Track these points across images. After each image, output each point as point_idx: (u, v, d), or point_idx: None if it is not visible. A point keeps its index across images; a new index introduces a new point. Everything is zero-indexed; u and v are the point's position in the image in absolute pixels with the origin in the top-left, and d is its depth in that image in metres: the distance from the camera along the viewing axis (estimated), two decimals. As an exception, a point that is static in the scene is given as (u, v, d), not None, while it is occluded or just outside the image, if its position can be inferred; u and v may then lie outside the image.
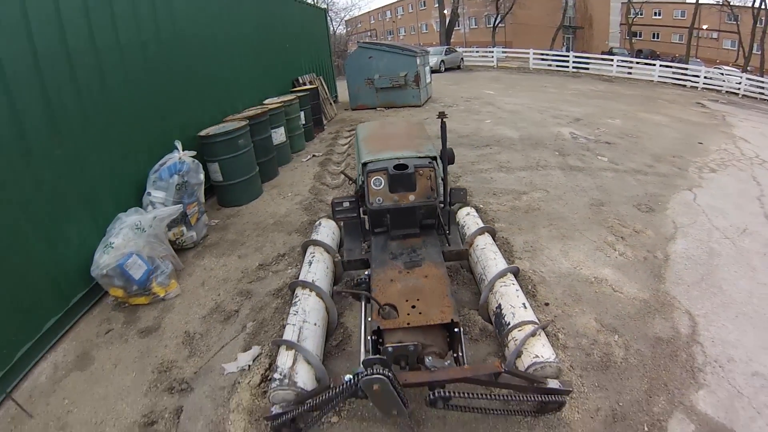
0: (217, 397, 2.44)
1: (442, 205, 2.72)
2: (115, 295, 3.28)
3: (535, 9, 32.40)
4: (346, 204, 2.79)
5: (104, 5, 3.77)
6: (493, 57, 22.07)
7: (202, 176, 4.25)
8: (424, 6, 41.23)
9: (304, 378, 2.11)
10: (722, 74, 16.84)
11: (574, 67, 19.45)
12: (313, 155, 6.93)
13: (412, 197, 2.56)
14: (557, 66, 20.19)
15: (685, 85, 16.86)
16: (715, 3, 30.54)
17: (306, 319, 2.41)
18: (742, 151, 7.37)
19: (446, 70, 20.36)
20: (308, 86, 8.81)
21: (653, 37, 37.66)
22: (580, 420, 2.16)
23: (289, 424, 2.03)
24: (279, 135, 6.21)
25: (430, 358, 1.95)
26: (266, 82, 7.50)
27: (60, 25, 3.26)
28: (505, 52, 23.41)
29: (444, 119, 2.59)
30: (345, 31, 34.89)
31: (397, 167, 2.59)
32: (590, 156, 6.34)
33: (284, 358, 2.17)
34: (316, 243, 3.10)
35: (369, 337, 2.08)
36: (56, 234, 3.12)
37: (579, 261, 3.49)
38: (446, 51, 21.29)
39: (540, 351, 2.13)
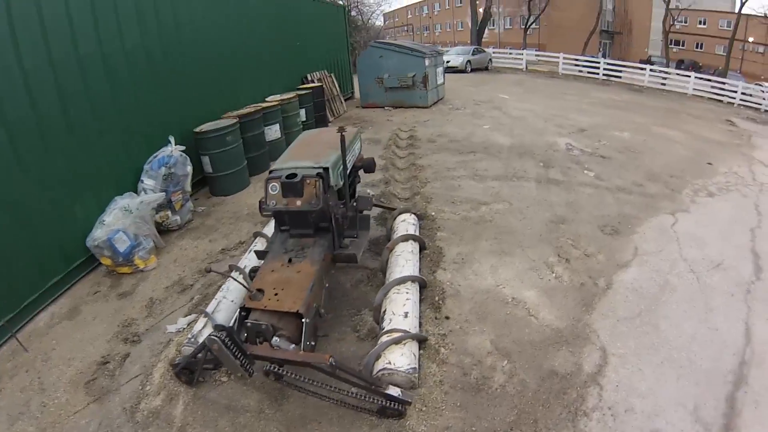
0: (155, 349, 3.00)
1: (343, 210, 2.94)
2: (105, 264, 3.95)
3: (570, 11, 31.22)
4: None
5: (110, 11, 4.19)
6: (522, 59, 21.46)
7: (189, 168, 4.73)
8: (461, 3, 40.59)
9: (206, 340, 2.53)
10: (763, 91, 15.70)
11: (604, 75, 18.70)
12: (301, 151, 6.98)
13: (299, 202, 2.79)
14: (588, 72, 19.44)
15: (721, 100, 15.91)
16: (759, 15, 28.51)
17: (226, 296, 2.96)
18: (754, 175, 6.80)
19: (473, 70, 19.86)
20: (314, 84, 8.97)
21: (696, 47, 35.32)
22: (424, 432, 2.10)
23: (186, 372, 2.53)
24: (273, 132, 6.52)
25: (278, 339, 2.26)
26: (272, 80, 7.72)
27: (72, 33, 3.75)
28: (537, 55, 22.74)
29: (343, 133, 2.78)
30: (383, 24, 34.93)
31: (288, 176, 2.82)
32: (576, 170, 6.09)
33: (199, 324, 2.77)
34: (262, 235, 3.62)
35: (240, 313, 2.44)
36: (66, 209, 3.79)
37: (505, 279, 3.37)
38: (474, 51, 20.79)
39: (395, 358, 2.25)
